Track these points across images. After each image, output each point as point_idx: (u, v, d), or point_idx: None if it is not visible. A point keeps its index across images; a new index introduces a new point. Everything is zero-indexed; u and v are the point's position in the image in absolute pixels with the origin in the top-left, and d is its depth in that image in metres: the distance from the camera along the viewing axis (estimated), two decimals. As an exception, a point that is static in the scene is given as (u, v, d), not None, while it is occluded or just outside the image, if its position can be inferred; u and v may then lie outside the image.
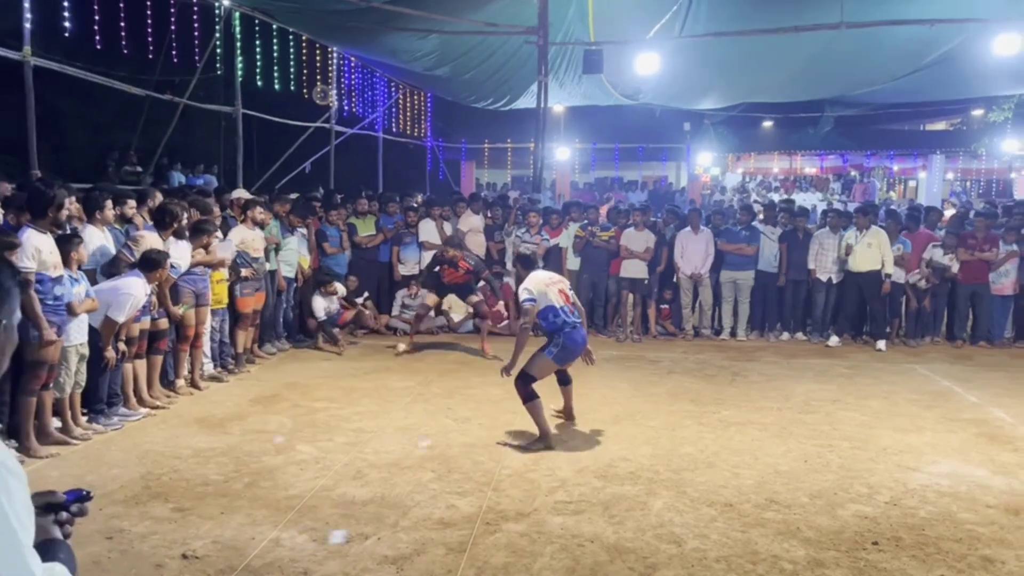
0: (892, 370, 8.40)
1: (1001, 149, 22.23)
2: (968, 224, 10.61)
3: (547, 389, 6.03)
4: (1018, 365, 8.77)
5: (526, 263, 6.34)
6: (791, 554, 3.97)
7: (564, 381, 6.21)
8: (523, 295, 5.84)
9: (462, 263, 8.76)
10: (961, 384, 7.72)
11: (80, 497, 1.69)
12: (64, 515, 1.64)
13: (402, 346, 9.09)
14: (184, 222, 6.81)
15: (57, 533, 1.61)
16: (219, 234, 7.59)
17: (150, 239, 6.41)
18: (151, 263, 6.09)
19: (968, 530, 4.28)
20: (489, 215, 11.05)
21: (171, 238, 6.69)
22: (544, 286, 5.85)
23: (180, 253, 6.72)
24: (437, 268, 8.92)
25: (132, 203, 6.83)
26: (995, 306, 9.83)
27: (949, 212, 13.33)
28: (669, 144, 24.16)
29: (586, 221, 10.44)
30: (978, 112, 22.68)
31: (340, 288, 9.49)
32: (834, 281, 9.81)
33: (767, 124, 23.50)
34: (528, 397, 5.67)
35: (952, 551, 4.02)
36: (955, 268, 9.69)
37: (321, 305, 9.15)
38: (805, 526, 4.31)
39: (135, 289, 5.89)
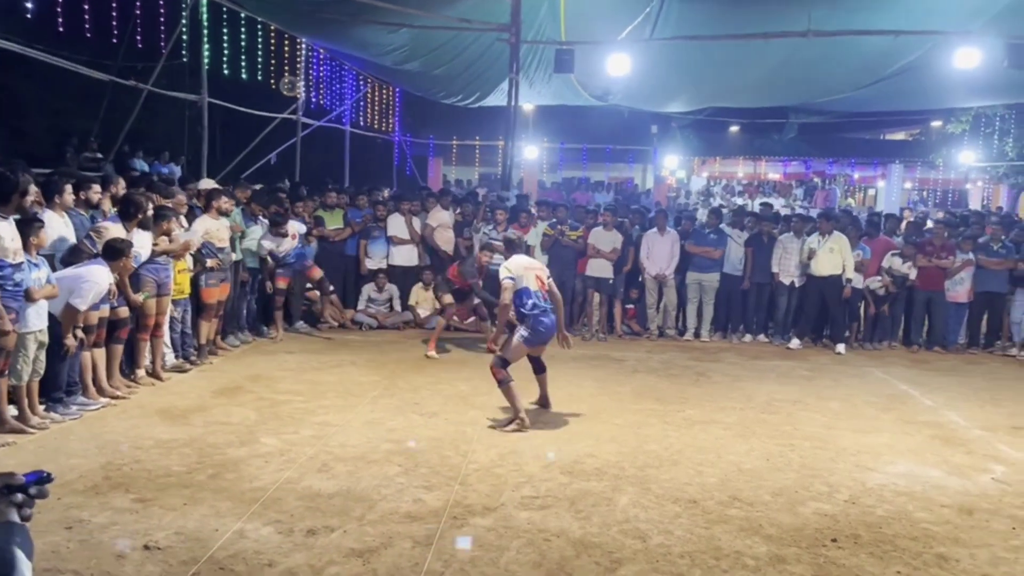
0: (851, 373, 8.56)
1: (958, 160, 22.81)
2: (927, 232, 10.87)
3: (525, 385, 6.20)
4: (971, 370, 9.00)
5: (511, 246, 6.87)
6: (753, 550, 4.03)
7: (539, 370, 6.52)
8: (503, 273, 6.25)
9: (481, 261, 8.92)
10: (917, 388, 7.91)
11: (40, 479, 1.64)
12: (20, 497, 1.59)
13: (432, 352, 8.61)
14: (149, 213, 6.70)
15: (14, 516, 1.57)
16: (184, 223, 7.47)
17: (113, 230, 6.28)
18: (115, 252, 5.98)
19: (923, 529, 4.39)
20: (458, 211, 11.03)
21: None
22: (523, 269, 6.28)
23: (141, 242, 6.60)
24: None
25: (97, 187, 6.70)
26: (950, 313, 10.09)
27: (908, 219, 13.63)
28: (636, 146, 24.37)
29: (555, 220, 10.48)
30: (937, 123, 23.28)
31: (294, 226, 8.83)
32: (796, 285, 9.97)
33: (733, 129, 23.83)
34: (502, 380, 6.01)
35: (908, 549, 4.12)
36: (913, 275, 9.92)
37: (268, 243, 8.58)
38: (767, 523, 4.38)
39: (98, 277, 5.77)
